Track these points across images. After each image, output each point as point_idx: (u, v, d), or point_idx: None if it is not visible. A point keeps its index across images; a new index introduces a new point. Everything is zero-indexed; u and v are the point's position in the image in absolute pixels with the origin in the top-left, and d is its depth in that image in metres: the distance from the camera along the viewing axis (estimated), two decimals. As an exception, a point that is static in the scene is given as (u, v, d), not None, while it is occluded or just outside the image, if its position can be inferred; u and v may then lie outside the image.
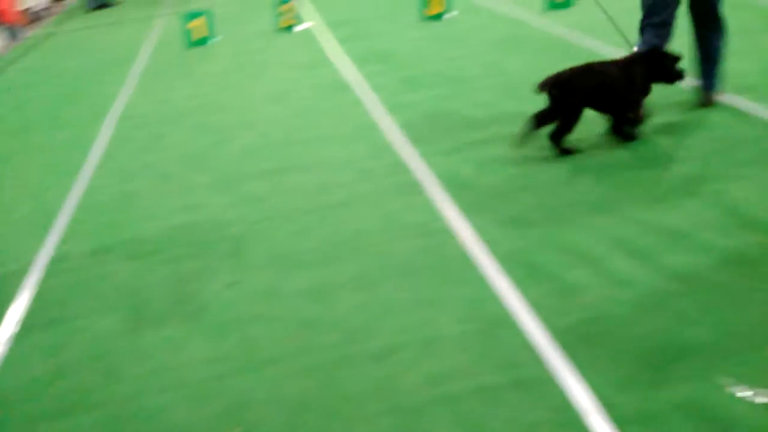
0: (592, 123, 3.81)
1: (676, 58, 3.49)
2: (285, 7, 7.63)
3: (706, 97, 3.83)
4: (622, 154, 3.48)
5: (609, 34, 5.62)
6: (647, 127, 3.60)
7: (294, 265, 2.91)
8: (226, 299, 2.73)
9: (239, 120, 4.89)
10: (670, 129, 3.69)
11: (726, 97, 3.91)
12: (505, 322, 2.35)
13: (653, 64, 3.46)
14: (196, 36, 7.48)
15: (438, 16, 7.13)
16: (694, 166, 3.25)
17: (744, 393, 1.89)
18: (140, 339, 2.57)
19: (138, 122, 5.16)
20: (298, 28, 7.66)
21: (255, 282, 2.83)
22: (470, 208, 3.15)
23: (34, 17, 11.45)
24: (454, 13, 7.20)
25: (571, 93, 3.42)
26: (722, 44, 3.72)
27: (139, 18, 10.03)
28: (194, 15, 7.47)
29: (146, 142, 4.72)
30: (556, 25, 6.18)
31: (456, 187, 3.38)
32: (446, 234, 2.97)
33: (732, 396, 1.89)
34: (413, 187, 3.46)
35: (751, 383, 1.92)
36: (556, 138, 3.51)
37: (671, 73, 3.49)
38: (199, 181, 3.92)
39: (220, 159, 4.22)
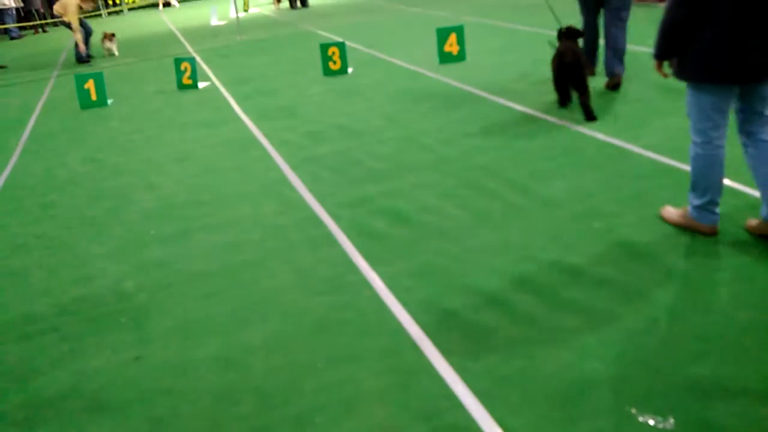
0: (486, 171, 3.99)
1: (579, 31, 5.06)
2: (185, 65, 7.55)
3: (614, 80, 5.35)
4: (520, 198, 3.66)
5: (496, 86, 6.01)
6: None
7: (202, 332, 2.79)
8: (130, 376, 2.56)
9: (139, 182, 4.71)
10: (560, 169, 3.94)
11: (612, 139, 4.26)
12: (422, 371, 2.35)
13: (573, 36, 4.97)
14: (91, 97, 7.22)
15: (340, 71, 7.31)
16: (584, 204, 3.47)
17: (652, 420, 1.99)
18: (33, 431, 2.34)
19: (27, 190, 4.84)
20: (201, 86, 7.58)
21: (161, 354, 2.67)
22: (381, 259, 3.18)
23: None
24: (350, 69, 7.42)
25: (580, 68, 4.73)
26: (625, 41, 5.34)
27: (30, 80, 9.55)
28: (88, 76, 7.22)
29: (36, 211, 4.42)
30: (450, 77, 6.52)
31: (366, 239, 3.41)
32: (359, 286, 2.97)
33: (644, 425, 1.98)
34: (324, 241, 3.46)
35: (657, 411, 2.02)
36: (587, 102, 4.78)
37: (580, 34, 5.03)
38: (95, 250, 3.70)
39: (118, 225, 4.02)
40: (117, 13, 17.07)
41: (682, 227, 3.06)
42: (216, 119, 6.15)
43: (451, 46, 7.16)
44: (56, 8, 10.35)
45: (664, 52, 2.83)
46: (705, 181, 2.91)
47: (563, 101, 5.08)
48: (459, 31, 7.13)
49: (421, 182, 4.06)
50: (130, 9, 17.34)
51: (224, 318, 2.87)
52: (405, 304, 2.78)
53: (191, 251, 3.55)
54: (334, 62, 7.31)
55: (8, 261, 3.72)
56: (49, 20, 15.69)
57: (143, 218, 4.07)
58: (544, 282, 2.80)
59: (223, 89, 7.34)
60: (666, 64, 2.91)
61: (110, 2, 17.34)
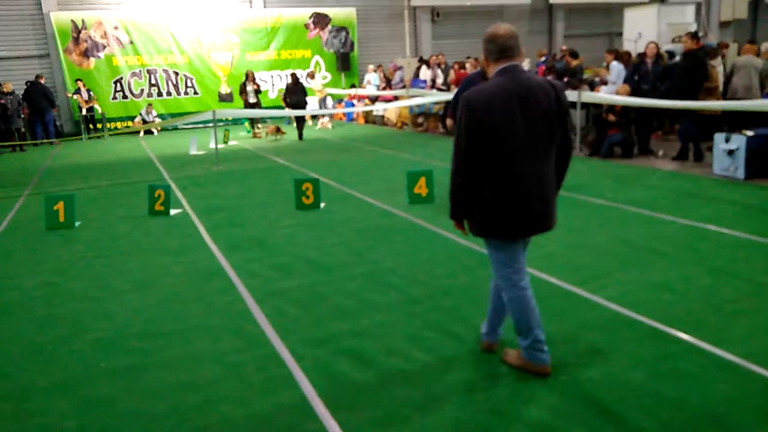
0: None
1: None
2: (159, 192, 7.64)
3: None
4: (491, 357, 3.63)
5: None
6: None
7: (143, 484, 2.55)
8: None
9: (95, 310, 4.54)
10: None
11: (576, 289, 4.34)
12: None
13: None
14: (59, 218, 7.16)
15: (313, 206, 7.48)
16: (549, 354, 3.44)
17: None
18: None
19: (-27, 313, 4.61)
20: (172, 213, 7.62)
21: None
22: (343, 406, 3.04)
23: None
24: (323, 204, 7.61)
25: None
26: None
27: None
28: (59, 198, 7.21)
29: (-20, 336, 4.18)
30: (419, 217, 6.72)
31: (328, 382, 3.28)
32: (317, 436, 2.81)
33: None
34: (284, 383, 3.31)
35: None
36: None
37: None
38: (39, 382, 3.46)
39: (67, 355, 3.80)
40: (99, 137, 17.48)
41: (519, 369, 3.23)
42: (183, 247, 6.12)
43: (421, 188, 7.46)
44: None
45: (456, 213, 3.17)
46: (524, 322, 3.13)
47: None
48: (428, 175, 7.47)
49: (388, 322, 4.01)
50: (111, 134, 17.80)
51: (168, 467, 2.65)
52: (365, 458, 2.61)
53: (141, 388, 3.34)
54: (307, 197, 7.49)
55: (-62, 392, 3.43)
56: (29, 141, 15.91)
57: (95, 349, 3.87)
58: (510, 438, 2.69)
59: (194, 217, 7.38)
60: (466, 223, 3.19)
61: (91, 126, 17.79)
